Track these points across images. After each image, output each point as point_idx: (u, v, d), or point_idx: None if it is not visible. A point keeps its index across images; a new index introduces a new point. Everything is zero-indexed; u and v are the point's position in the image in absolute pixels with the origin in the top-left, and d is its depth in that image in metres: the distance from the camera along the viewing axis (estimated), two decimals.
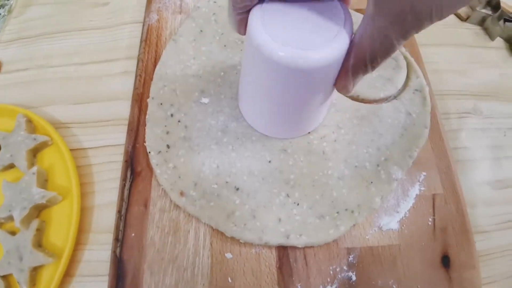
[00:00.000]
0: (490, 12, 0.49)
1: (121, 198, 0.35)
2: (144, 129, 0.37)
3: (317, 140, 0.36)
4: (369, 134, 0.37)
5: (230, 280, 0.32)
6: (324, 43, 0.25)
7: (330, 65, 0.26)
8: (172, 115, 0.37)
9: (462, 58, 0.48)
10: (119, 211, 0.34)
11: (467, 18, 0.50)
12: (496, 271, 0.36)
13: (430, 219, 0.36)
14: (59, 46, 0.46)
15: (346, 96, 0.39)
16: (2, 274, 0.34)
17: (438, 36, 0.49)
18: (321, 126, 0.37)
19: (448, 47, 0.49)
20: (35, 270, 0.34)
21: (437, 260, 0.34)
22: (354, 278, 0.32)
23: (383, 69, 0.40)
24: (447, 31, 0.50)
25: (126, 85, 0.42)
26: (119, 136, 0.39)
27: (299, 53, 0.25)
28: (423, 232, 0.35)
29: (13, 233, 0.36)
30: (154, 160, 0.35)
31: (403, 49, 0.43)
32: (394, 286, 0.32)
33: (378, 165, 0.35)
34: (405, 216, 0.35)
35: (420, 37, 0.47)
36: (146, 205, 0.34)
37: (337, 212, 0.33)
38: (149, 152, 0.35)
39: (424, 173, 0.37)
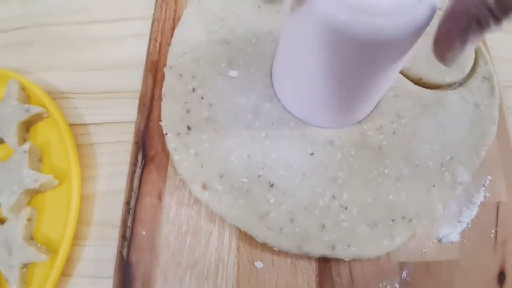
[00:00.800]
0: None
1: (130, 188, 0.29)
2: (160, 105, 0.31)
3: (372, 131, 0.30)
4: (433, 127, 0.31)
5: None
6: (402, 7, 0.19)
7: (407, 38, 0.20)
8: (193, 89, 0.31)
9: None
10: (127, 203, 0.28)
11: None
12: None
13: (493, 231, 0.30)
14: (61, 1, 0.39)
15: (408, 79, 0.32)
16: None
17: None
18: (377, 114, 0.30)
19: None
20: (26, 267, 0.29)
21: (493, 277, 0.29)
22: None
23: None
24: None
25: (139, 50, 0.35)
26: (129, 112, 0.33)
27: (367, 19, 0.19)
28: (485, 246, 0.30)
29: (1, 222, 0.30)
30: (171, 143, 0.29)
31: None
32: None
33: (442, 165, 0.30)
34: (467, 226, 0.30)
35: None
36: (160, 198, 0.28)
37: (393, 220, 0.28)
38: (166, 134, 0.29)
39: (490, 177, 0.32)
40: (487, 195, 0.31)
